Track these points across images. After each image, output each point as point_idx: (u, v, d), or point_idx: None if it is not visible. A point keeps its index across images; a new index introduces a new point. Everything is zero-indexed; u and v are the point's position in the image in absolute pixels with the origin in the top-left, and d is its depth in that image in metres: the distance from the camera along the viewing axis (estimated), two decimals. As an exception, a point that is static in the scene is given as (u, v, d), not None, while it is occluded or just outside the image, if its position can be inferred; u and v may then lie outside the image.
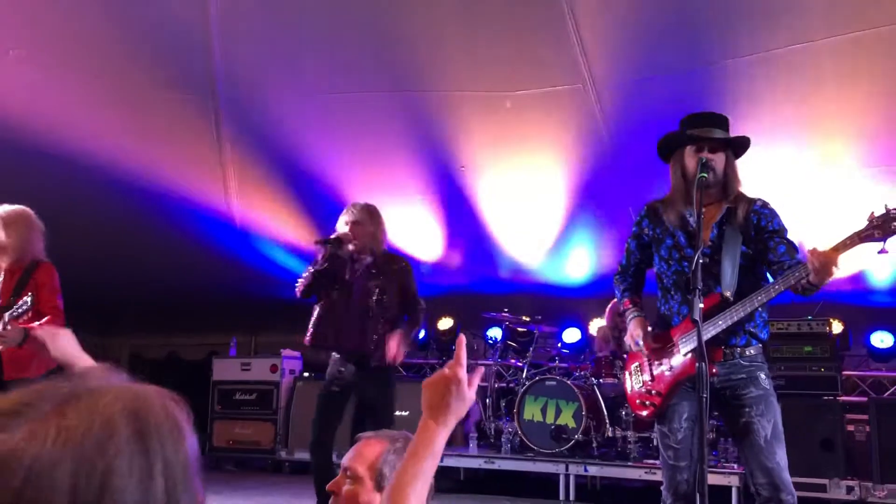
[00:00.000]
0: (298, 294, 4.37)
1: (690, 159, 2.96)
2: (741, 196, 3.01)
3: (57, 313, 3.59)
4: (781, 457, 2.78)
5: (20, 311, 3.40)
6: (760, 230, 2.94)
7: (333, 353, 4.43)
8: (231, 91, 6.12)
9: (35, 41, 5.61)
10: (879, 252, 2.61)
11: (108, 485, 0.65)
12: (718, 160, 2.95)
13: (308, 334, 4.41)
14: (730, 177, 2.98)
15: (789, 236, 2.96)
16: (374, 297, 4.29)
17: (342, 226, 4.37)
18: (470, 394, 1.42)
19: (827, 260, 2.58)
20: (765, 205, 3.00)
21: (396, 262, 4.49)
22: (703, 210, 2.82)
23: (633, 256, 3.26)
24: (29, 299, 3.42)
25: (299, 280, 4.37)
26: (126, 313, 9.38)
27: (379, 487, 1.86)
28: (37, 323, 3.35)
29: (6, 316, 3.40)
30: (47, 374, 3.34)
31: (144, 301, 9.04)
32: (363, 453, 1.94)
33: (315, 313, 4.41)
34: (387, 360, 4.18)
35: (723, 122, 3.06)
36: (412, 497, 1.30)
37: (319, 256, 4.34)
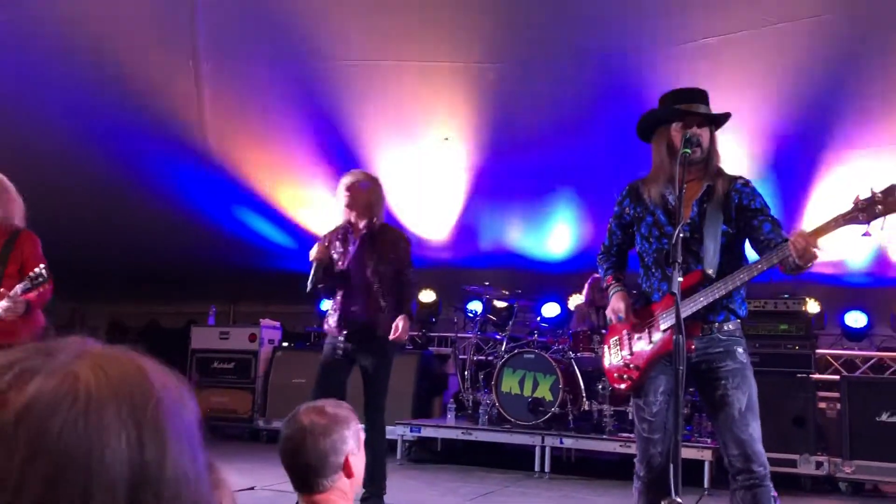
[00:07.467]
0: (308, 290, 4.38)
1: (677, 134, 2.91)
2: (721, 173, 2.98)
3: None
4: (755, 429, 2.80)
5: (38, 282, 3.42)
6: (742, 209, 2.91)
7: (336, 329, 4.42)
8: (213, 53, 6.04)
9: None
10: (863, 235, 2.63)
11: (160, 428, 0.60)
12: (704, 135, 2.91)
13: (325, 323, 4.49)
14: (712, 153, 2.96)
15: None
16: (370, 269, 4.29)
17: (342, 189, 4.35)
18: None
19: (807, 243, 2.58)
20: (746, 183, 2.96)
21: (391, 233, 4.49)
22: (685, 187, 2.79)
23: (615, 237, 3.22)
24: (44, 271, 3.43)
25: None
26: (106, 280, 9.31)
27: None
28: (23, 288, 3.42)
29: (18, 288, 3.42)
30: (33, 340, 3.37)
31: (124, 268, 8.98)
32: None
33: (329, 306, 4.50)
34: (389, 336, 4.20)
35: (705, 98, 3.01)
36: None
37: (316, 245, 4.32)
